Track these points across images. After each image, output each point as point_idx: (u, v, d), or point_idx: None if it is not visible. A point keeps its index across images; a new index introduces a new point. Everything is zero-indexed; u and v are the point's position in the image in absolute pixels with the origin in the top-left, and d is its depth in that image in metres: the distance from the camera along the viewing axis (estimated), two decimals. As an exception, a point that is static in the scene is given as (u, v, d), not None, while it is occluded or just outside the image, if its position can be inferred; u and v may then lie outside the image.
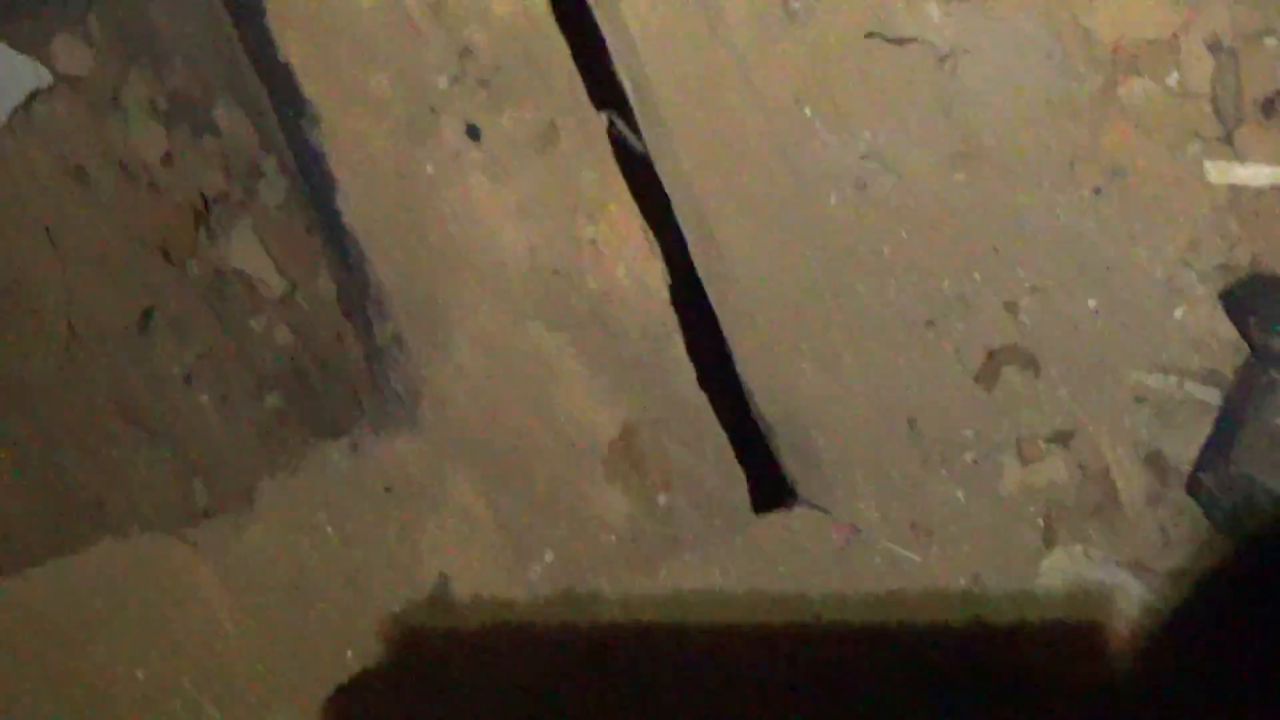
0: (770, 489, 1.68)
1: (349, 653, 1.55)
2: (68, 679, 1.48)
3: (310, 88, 1.64)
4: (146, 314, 1.75)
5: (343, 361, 1.76)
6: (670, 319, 1.64)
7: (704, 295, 1.66)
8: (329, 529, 1.57)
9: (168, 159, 1.79)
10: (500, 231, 1.63)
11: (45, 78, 1.81)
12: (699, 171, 1.62)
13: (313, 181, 1.70)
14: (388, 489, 1.58)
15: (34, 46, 1.81)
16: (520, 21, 1.65)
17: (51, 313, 1.77)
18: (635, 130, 1.67)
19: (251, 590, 1.54)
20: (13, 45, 1.81)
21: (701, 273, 1.64)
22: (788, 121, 1.62)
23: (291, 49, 1.64)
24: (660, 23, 1.61)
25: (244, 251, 1.76)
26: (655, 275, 1.64)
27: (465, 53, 1.64)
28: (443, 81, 1.64)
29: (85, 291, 1.78)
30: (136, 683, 1.50)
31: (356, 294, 1.66)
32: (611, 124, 1.64)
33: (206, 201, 1.77)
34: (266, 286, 1.76)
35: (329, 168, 1.63)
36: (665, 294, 1.64)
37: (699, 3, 1.62)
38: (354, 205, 1.63)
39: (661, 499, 1.63)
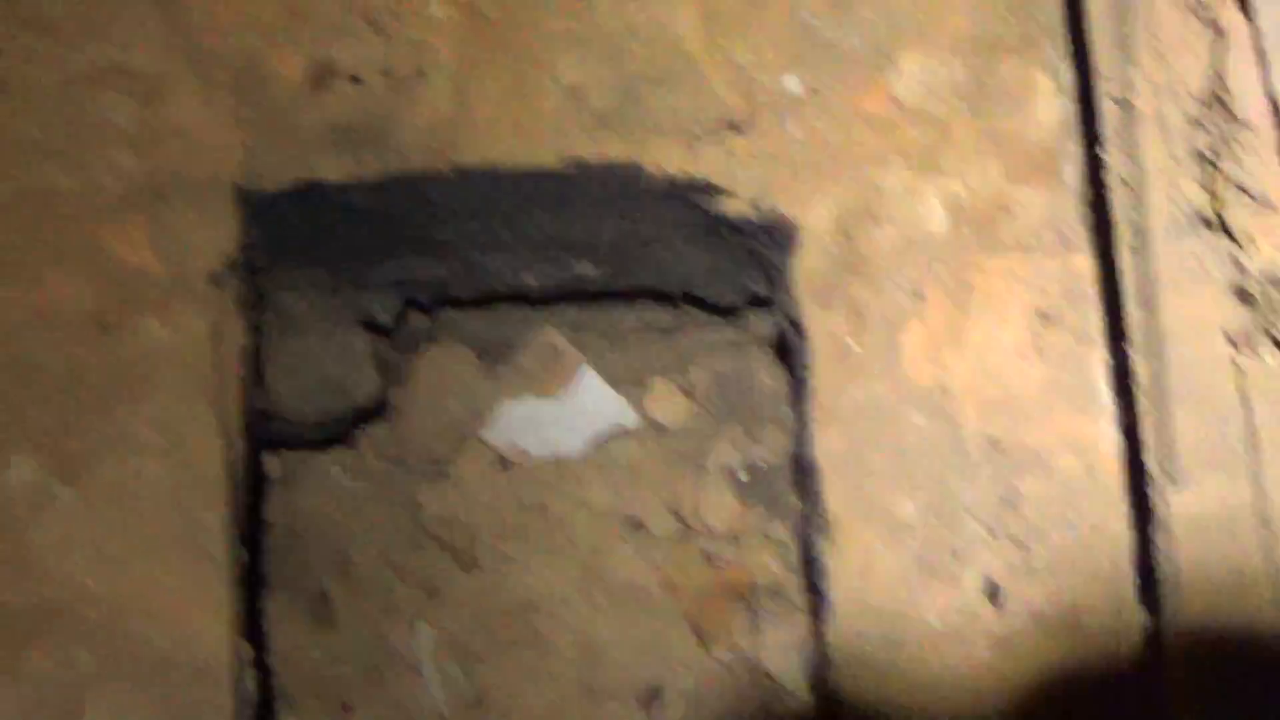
0: None
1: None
2: None
3: (832, 497, 1.49)
4: (654, 691, 1.65)
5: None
6: None
7: None
8: None
9: (732, 533, 1.71)
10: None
11: (632, 419, 1.80)
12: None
13: (812, 588, 1.55)
14: None
15: (631, 385, 1.80)
16: (1080, 479, 1.43)
17: (565, 650, 1.72)
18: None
19: None
20: (609, 380, 1.81)
21: None
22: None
23: (824, 448, 1.51)
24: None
25: (778, 653, 1.61)
26: None
27: (1008, 502, 1.44)
28: (976, 528, 1.44)
29: (602, 641, 1.72)
30: None
31: None
32: None
33: (755, 588, 1.65)
34: (791, 695, 1.60)
35: (827, 584, 1.48)
36: None
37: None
38: (842, 629, 1.46)
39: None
